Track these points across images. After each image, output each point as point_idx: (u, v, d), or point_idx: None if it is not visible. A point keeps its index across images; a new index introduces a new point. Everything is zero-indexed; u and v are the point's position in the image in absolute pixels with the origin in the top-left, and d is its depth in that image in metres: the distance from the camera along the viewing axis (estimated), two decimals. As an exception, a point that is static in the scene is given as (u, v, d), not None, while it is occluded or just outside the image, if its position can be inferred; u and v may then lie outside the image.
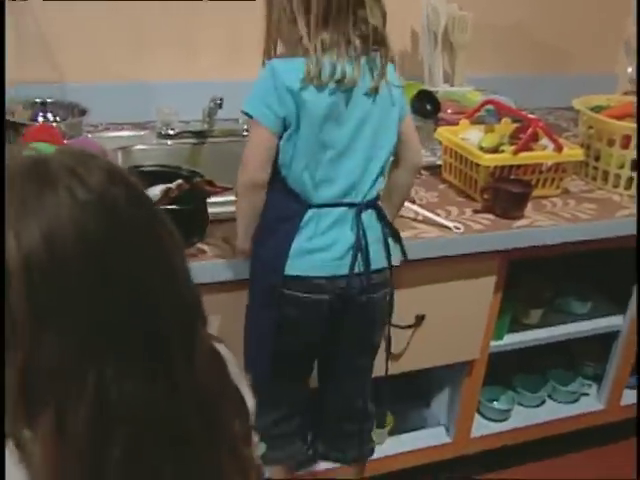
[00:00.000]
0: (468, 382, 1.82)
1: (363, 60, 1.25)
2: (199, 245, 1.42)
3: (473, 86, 2.22)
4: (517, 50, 2.42)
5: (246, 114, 1.26)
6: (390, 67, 1.30)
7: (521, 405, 2.02)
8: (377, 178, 1.33)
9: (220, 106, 1.85)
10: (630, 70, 2.38)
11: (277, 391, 1.39)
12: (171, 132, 1.91)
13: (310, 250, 1.29)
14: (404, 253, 1.41)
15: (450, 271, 1.63)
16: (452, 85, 2.21)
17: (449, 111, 2.04)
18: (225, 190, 1.36)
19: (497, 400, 1.99)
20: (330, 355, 1.44)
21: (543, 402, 2.05)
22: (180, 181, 1.35)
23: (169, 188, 1.35)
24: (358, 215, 1.30)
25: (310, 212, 1.29)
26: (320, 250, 1.29)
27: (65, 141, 1.64)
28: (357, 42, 1.24)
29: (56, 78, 1.92)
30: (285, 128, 1.24)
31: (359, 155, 1.28)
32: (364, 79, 1.26)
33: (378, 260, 1.34)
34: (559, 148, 1.73)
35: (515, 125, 1.85)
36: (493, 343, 1.80)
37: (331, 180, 1.28)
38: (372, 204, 1.33)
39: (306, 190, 1.28)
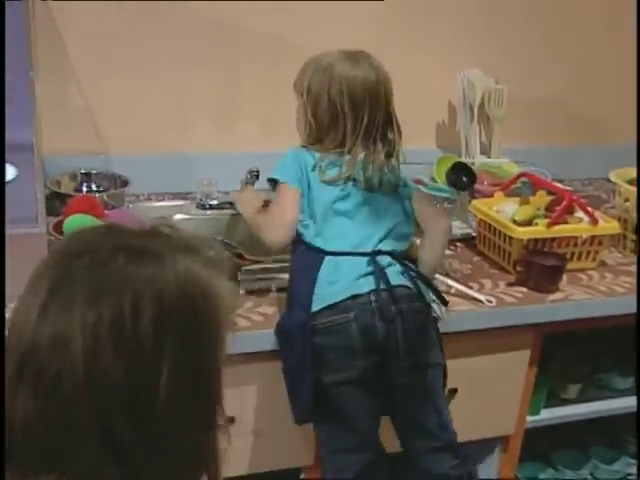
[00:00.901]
0: (505, 458, 1.78)
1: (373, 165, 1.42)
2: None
3: (509, 158, 2.24)
4: (553, 122, 2.43)
5: (273, 181, 1.43)
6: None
7: (561, 483, 1.96)
8: (385, 238, 1.41)
9: (257, 177, 1.89)
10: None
11: (343, 427, 1.38)
12: (210, 203, 1.95)
13: (331, 282, 1.35)
14: (443, 301, 1.45)
15: (482, 345, 1.62)
16: (489, 157, 2.22)
17: (485, 183, 2.05)
18: (254, 263, 1.39)
19: (536, 477, 1.94)
20: (388, 384, 1.38)
21: (584, 481, 1.99)
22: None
23: (200, 260, 1.37)
24: (373, 258, 1.37)
25: (328, 258, 1.37)
26: (339, 281, 1.35)
27: (106, 212, 1.70)
28: (375, 154, 1.42)
29: (101, 149, 2.00)
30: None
31: (364, 221, 1.41)
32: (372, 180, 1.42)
33: (398, 278, 1.37)
34: (594, 221, 1.72)
35: (550, 198, 1.85)
36: (529, 418, 1.76)
37: (341, 236, 1.39)
38: (386, 252, 1.39)
39: (320, 244, 1.39)
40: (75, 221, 1.55)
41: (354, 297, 1.33)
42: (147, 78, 1.97)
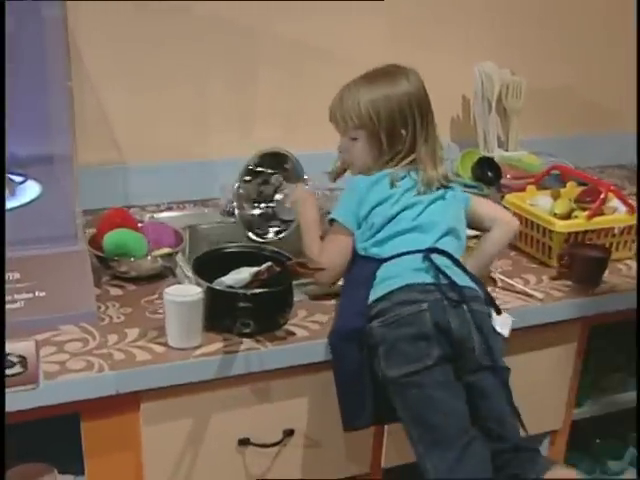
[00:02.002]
0: (552, 452, 1.77)
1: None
2: (286, 327, 1.40)
3: (523, 149, 2.23)
4: (562, 111, 2.43)
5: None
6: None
7: (604, 473, 1.96)
8: (439, 239, 1.41)
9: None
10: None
11: (434, 412, 1.29)
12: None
13: (385, 278, 1.36)
14: (497, 310, 1.38)
15: (532, 340, 1.60)
16: (506, 150, 2.21)
17: (508, 176, 2.04)
18: (318, 271, 1.35)
19: (577, 468, 1.94)
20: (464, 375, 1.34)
21: (624, 470, 1.99)
22: (270, 263, 1.34)
23: (259, 271, 1.34)
24: (428, 255, 1.37)
25: (384, 264, 1.38)
26: (395, 276, 1.35)
27: (139, 224, 1.65)
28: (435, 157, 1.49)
29: (117, 159, 1.94)
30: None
31: (420, 226, 1.42)
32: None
33: (464, 280, 1.36)
34: (632, 210, 1.72)
35: (580, 189, 1.85)
36: (574, 411, 1.76)
37: (397, 241, 1.41)
38: (441, 252, 1.38)
39: (377, 252, 1.40)
40: (117, 236, 1.50)
41: (416, 285, 1.32)
42: (164, 84, 1.92)
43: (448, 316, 1.30)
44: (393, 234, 1.41)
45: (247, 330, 1.28)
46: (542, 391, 1.67)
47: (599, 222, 1.70)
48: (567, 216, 1.72)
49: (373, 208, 1.43)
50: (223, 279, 1.38)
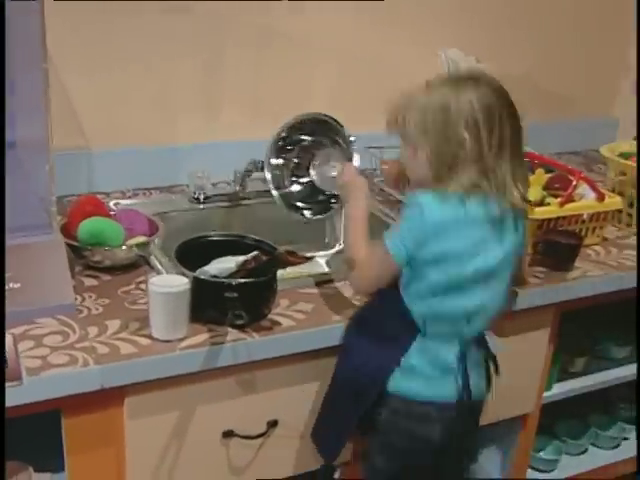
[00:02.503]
0: (523, 435, 1.80)
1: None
2: (270, 317, 1.38)
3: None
4: (520, 99, 2.45)
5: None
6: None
7: (567, 454, 2.01)
8: (487, 318, 1.33)
9: (261, 169, 1.80)
10: None
11: None
12: (206, 195, 1.87)
13: (418, 371, 1.29)
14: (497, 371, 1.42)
15: (506, 327, 1.61)
16: (471, 136, 2.22)
17: (475, 163, 2.05)
18: (306, 260, 1.33)
19: (543, 450, 1.98)
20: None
21: (586, 450, 2.04)
22: (256, 252, 1.32)
23: (246, 260, 1.31)
24: (465, 351, 1.31)
25: (420, 341, 1.29)
26: (424, 370, 1.29)
27: (111, 212, 1.60)
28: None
29: (82, 145, 1.88)
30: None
31: (478, 292, 1.28)
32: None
33: (480, 388, 1.36)
34: (601, 197, 1.76)
35: (547, 175, 1.87)
36: (544, 394, 1.79)
37: (445, 314, 1.29)
38: (478, 343, 1.36)
39: (416, 309, 1.28)
40: (92, 225, 1.45)
41: (436, 403, 1.30)
42: (128, 68, 1.85)
43: (452, 434, 1.31)
44: (445, 313, 1.27)
45: (241, 322, 1.25)
46: (516, 376, 1.68)
47: (571, 209, 1.72)
48: (539, 203, 1.74)
49: (436, 261, 1.22)
50: (206, 268, 1.35)
